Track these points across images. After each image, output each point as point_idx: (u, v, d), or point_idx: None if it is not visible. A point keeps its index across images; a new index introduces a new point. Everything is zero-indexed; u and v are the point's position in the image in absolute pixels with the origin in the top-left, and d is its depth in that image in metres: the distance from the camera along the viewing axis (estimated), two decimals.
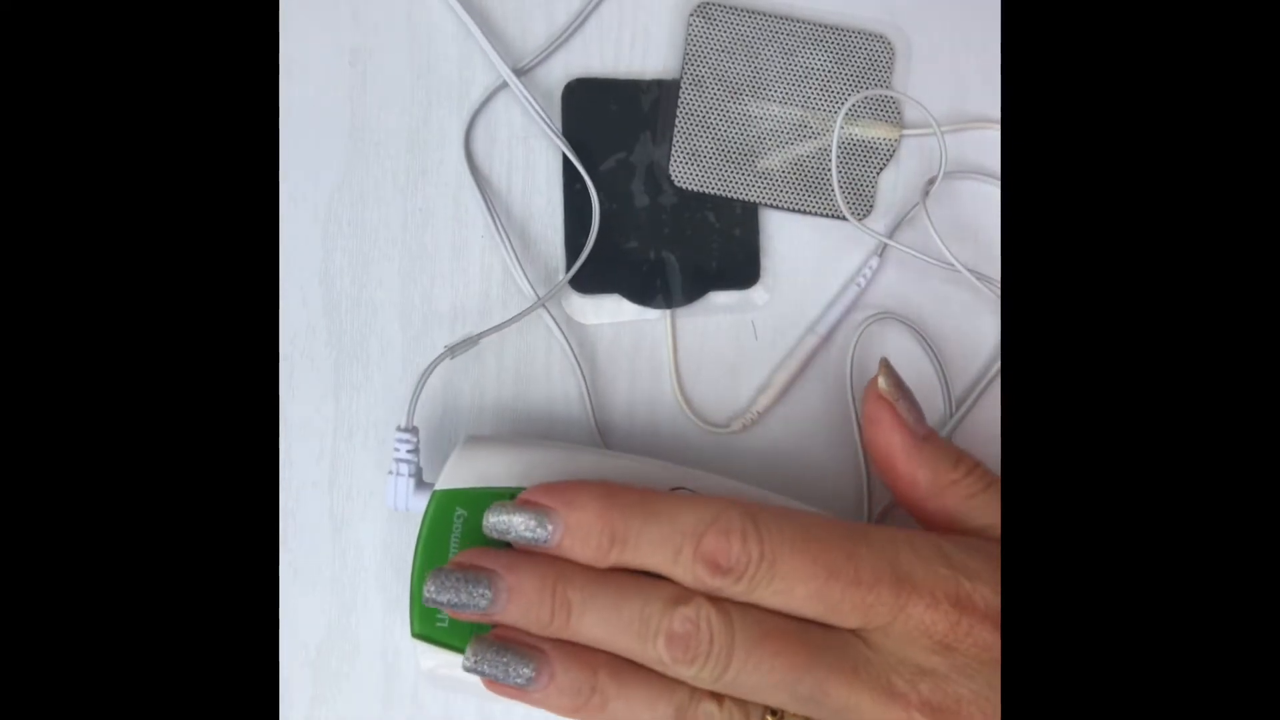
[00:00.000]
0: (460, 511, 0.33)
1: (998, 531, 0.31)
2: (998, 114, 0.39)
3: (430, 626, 0.33)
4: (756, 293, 0.39)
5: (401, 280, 0.38)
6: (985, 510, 0.32)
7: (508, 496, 0.33)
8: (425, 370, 0.36)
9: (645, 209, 0.39)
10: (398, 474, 0.35)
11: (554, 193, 0.39)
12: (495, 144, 0.39)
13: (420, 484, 0.35)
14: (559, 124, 0.39)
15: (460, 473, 0.33)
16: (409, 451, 0.35)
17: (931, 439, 0.33)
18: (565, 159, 0.38)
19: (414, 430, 0.35)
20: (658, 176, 0.39)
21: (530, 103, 0.38)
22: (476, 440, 0.35)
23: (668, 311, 0.39)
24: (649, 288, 0.39)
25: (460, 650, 0.32)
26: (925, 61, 0.39)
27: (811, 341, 0.38)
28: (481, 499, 0.33)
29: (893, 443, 0.33)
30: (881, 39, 0.39)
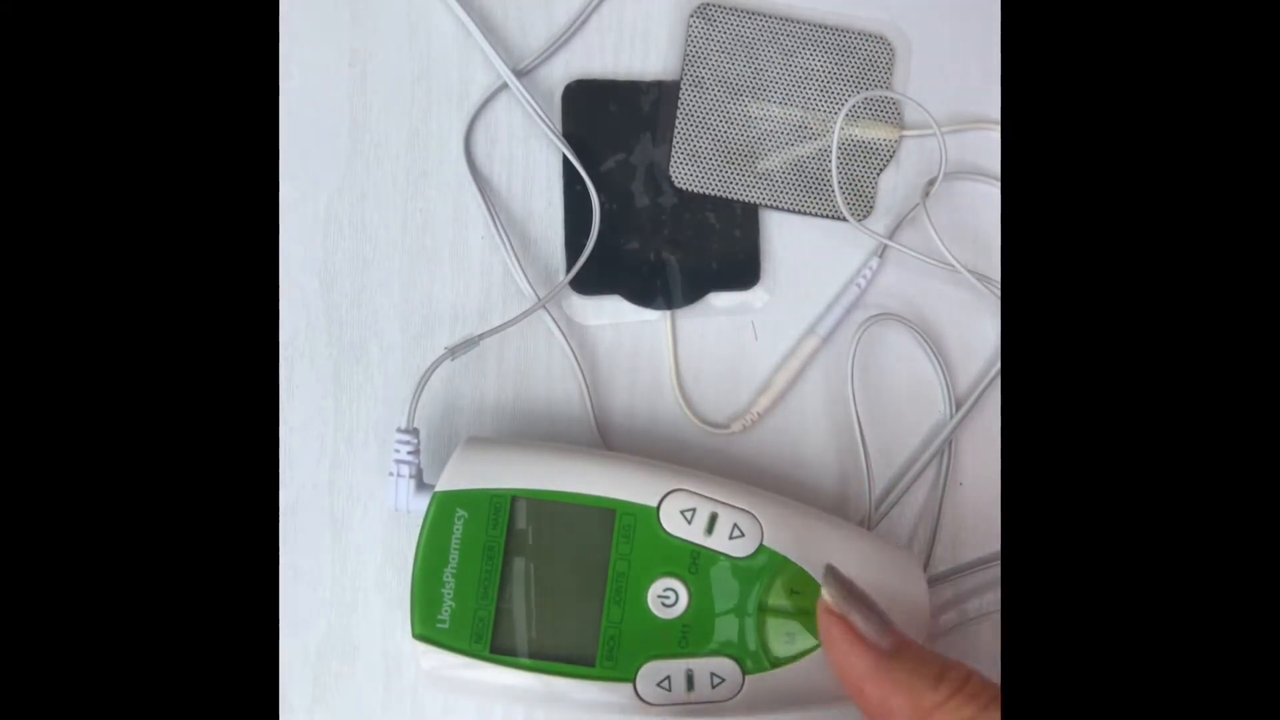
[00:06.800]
0: (461, 513, 0.33)
1: None
2: (998, 114, 0.39)
3: (431, 627, 0.33)
4: (756, 294, 0.39)
5: (401, 281, 0.38)
6: None
7: (508, 498, 0.33)
8: (426, 371, 0.36)
9: (645, 210, 0.39)
10: (398, 475, 0.35)
11: (554, 194, 0.39)
12: (495, 145, 0.39)
13: (421, 485, 0.35)
14: (559, 125, 0.39)
15: (461, 474, 0.33)
16: (409, 453, 0.35)
17: (903, 651, 0.28)
18: (565, 160, 0.38)
19: (414, 431, 0.35)
20: (658, 177, 0.39)
21: (530, 104, 0.38)
22: (477, 441, 0.35)
23: (668, 313, 0.39)
24: (649, 289, 0.39)
25: (460, 651, 0.33)
26: (925, 62, 0.39)
27: (812, 342, 0.38)
28: (482, 500, 0.33)
29: (854, 665, 0.28)
30: (881, 39, 0.39)
